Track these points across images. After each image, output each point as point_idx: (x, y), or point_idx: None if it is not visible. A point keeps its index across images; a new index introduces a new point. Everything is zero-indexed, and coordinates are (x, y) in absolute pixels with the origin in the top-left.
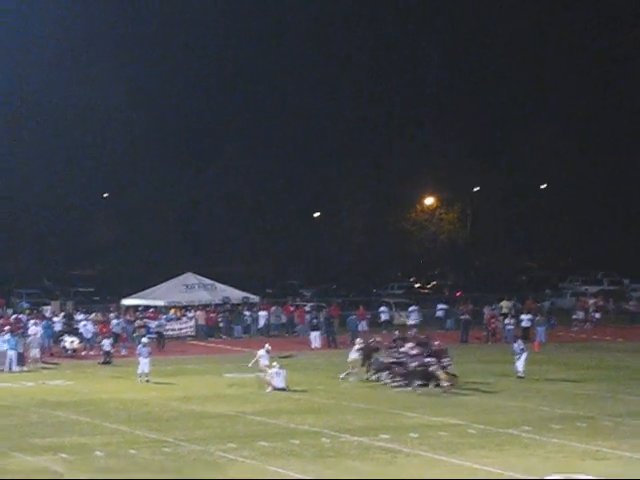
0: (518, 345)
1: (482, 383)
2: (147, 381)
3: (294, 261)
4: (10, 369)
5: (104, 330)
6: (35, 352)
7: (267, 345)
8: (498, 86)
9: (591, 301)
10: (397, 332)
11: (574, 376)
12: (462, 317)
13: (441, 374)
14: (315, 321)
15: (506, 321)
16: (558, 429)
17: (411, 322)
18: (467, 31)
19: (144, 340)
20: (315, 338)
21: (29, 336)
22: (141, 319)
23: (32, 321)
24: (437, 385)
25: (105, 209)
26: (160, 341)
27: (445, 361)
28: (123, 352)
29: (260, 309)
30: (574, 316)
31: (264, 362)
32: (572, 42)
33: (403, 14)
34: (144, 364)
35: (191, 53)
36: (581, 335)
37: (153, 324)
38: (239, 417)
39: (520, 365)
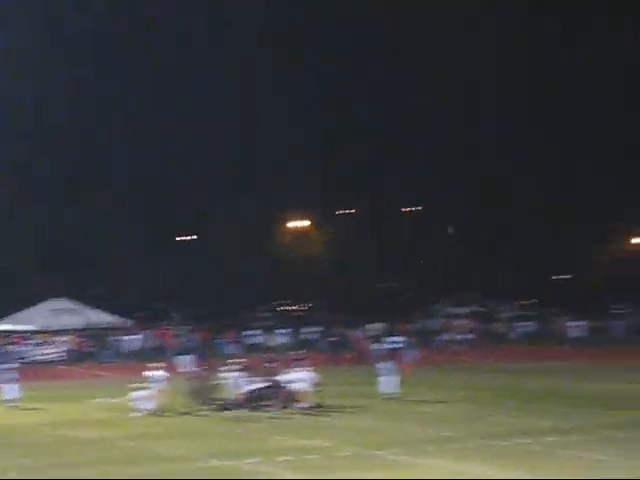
0: (386, 366)
1: (352, 405)
2: (16, 407)
3: (164, 284)
4: None
5: None
6: None
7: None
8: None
9: (457, 322)
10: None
11: (444, 397)
12: (332, 339)
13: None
14: (189, 344)
15: (375, 343)
16: (429, 450)
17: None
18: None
19: (8, 366)
20: (185, 362)
21: None
22: (10, 344)
23: None
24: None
25: None
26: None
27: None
28: None
29: (130, 333)
30: (443, 338)
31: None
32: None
33: None
34: (10, 390)
35: None
36: (451, 357)
37: (20, 349)
38: (109, 441)
39: (389, 386)
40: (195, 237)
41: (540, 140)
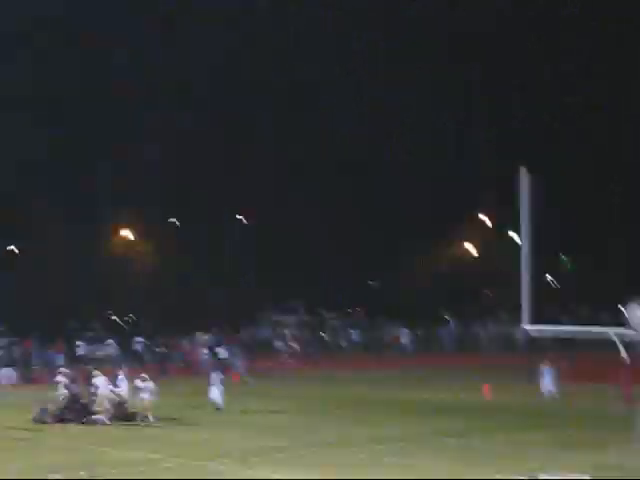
0: (217, 375)
1: (181, 416)
2: None
3: None
4: None
5: None
6: None
7: None
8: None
9: (288, 331)
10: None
11: (273, 407)
12: (159, 350)
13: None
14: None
15: (203, 353)
16: (256, 461)
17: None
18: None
19: None
20: (7, 375)
21: None
22: None
23: None
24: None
25: None
26: None
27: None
28: None
29: None
30: (274, 346)
31: None
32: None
33: None
34: None
35: None
36: (280, 366)
37: None
38: None
39: (217, 396)
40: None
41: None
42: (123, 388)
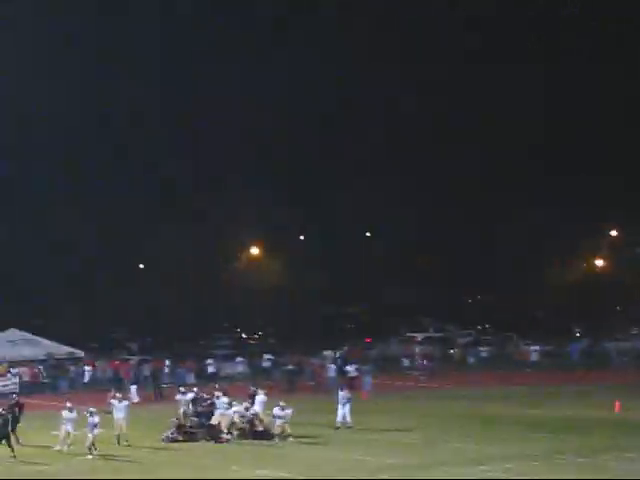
0: (344, 394)
1: (309, 435)
2: None
3: (119, 314)
4: None
5: None
6: None
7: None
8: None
9: (417, 349)
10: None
11: (401, 425)
12: (287, 367)
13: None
14: (139, 375)
15: (331, 370)
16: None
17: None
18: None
19: None
20: (134, 392)
21: None
22: None
23: None
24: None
25: None
26: None
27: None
28: None
29: (85, 363)
30: (402, 364)
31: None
32: None
33: None
34: None
35: None
36: (409, 383)
37: None
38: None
39: (345, 415)
40: (149, 265)
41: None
42: (258, 407)
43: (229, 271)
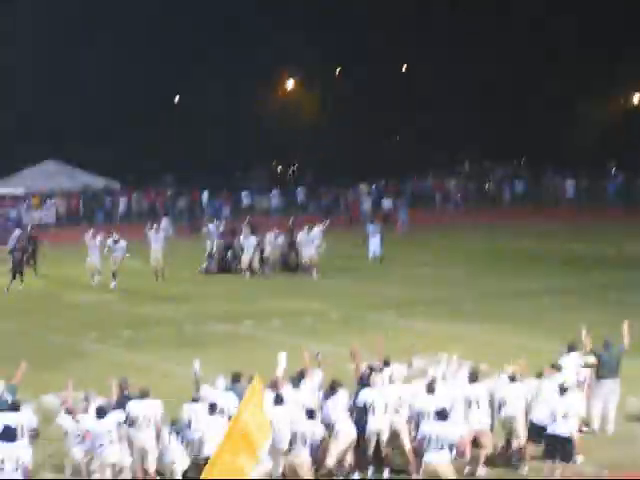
0: (375, 227)
1: (342, 267)
2: None
3: (154, 146)
4: None
5: None
6: None
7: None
8: None
9: (453, 183)
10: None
11: (435, 259)
12: (323, 201)
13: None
14: (175, 208)
15: (366, 204)
16: (421, 312)
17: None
18: None
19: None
20: (169, 224)
21: None
22: (1, 208)
23: None
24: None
25: None
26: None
27: None
28: None
29: (121, 195)
30: (436, 198)
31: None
32: None
33: None
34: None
35: None
36: (443, 218)
37: (13, 213)
38: (101, 305)
39: (375, 248)
40: (184, 99)
41: None
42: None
43: (266, 103)
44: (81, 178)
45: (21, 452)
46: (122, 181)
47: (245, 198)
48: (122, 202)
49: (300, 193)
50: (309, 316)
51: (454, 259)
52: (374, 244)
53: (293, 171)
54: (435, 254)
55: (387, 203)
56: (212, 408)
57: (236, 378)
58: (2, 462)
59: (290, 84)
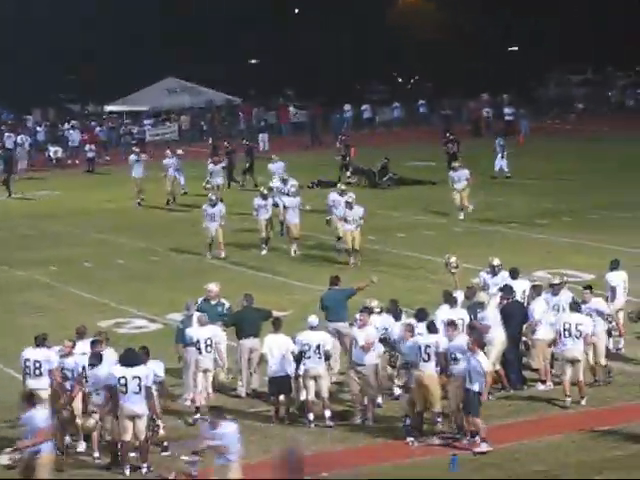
0: (499, 142)
1: None
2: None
3: (275, 60)
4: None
5: (88, 138)
6: (23, 163)
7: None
8: None
9: (575, 90)
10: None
11: (559, 169)
12: (444, 112)
13: None
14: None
15: (488, 114)
16: (544, 224)
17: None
18: None
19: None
20: (264, 140)
21: (9, 149)
22: (125, 125)
23: (7, 134)
24: None
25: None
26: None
27: None
28: (107, 159)
29: (241, 111)
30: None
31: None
32: None
33: None
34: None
35: None
36: (566, 126)
37: (135, 130)
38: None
39: (502, 164)
40: (305, 11)
41: None
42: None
43: (387, 14)
44: (203, 94)
45: None
46: (244, 96)
47: (365, 111)
48: (242, 117)
49: (420, 105)
50: (432, 229)
51: (578, 167)
52: (501, 161)
53: (414, 83)
54: (558, 163)
55: (509, 112)
56: None
57: None
58: None
59: None
